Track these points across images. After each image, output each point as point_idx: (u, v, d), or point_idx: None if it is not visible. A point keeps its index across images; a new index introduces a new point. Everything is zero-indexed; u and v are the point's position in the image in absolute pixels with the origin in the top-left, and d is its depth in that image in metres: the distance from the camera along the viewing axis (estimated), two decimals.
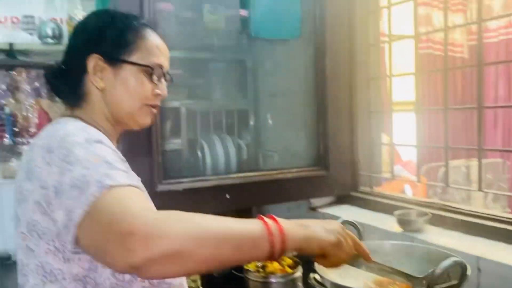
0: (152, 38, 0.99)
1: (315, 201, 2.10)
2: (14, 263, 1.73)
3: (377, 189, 2.06)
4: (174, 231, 0.67)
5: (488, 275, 1.29)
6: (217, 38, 2.10)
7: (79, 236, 0.74)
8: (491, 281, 1.28)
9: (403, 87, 2.42)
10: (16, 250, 0.90)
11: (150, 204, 0.77)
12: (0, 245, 1.96)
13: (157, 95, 0.99)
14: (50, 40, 1.92)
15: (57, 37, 1.94)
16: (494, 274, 1.28)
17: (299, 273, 1.35)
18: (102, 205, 0.71)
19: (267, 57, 2.25)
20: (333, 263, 0.87)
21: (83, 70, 0.94)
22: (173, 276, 0.77)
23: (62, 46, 1.94)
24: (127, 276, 0.85)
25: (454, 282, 0.98)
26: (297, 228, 0.79)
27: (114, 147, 0.89)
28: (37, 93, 2.09)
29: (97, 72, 0.94)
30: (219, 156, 2.21)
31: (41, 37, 1.93)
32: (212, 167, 2.20)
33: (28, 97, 2.07)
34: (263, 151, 2.37)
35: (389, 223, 1.72)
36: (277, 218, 0.77)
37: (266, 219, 0.76)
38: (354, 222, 1.39)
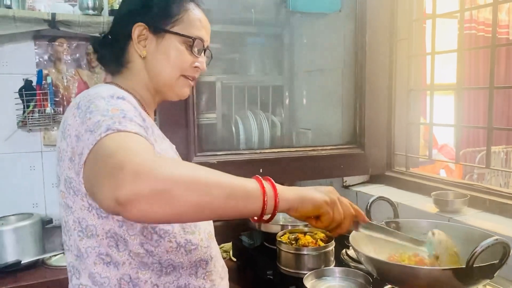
0: (196, 12, 1.00)
1: (349, 179, 2.08)
2: (55, 227, 1.80)
3: (413, 170, 2.02)
4: (165, 172, 0.66)
5: None
6: (255, 11, 2.07)
7: (85, 173, 0.77)
8: None
9: (442, 70, 2.34)
10: (59, 210, 0.94)
11: (151, 150, 0.76)
12: (42, 209, 2.05)
13: (196, 67, 1.01)
14: (90, 12, 1.94)
15: (98, 8, 1.96)
16: None
17: (331, 247, 1.35)
18: (105, 144, 0.73)
19: (305, 32, 2.22)
20: (328, 224, 0.84)
21: (127, 37, 0.98)
22: (159, 219, 0.69)
23: (102, 18, 1.99)
24: (155, 236, 0.88)
25: (494, 261, 0.95)
26: (291, 189, 0.80)
27: (140, 109, 0.90)
28: (77, 63, 2.13)
29: (141, 41, 0.97)
30: (253, 132, 2.21)
31: (82, 8, 1.95)
32: (245, 142, 2.21)
33: (69, 68, 2.11)
34: (297, 128, 2.35)
35: (425, 203, 1.69)
36: (272, 180, 0.77)
37: (261, 178, 0.76)
38: (390, 199, 1.38)
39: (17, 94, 1.96)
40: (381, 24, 1.95)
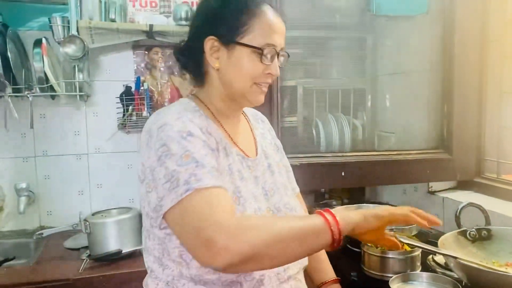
0: (267, 17, 0.99)
1: (435, 185, 2.02)
2: None
3: (505, 177, 1.91)
4: (249, 239, 0.79)
5: None
6: (338, 15, 2.09)
7: (167, 221, 0.90)
8: None
9: None
10: None
11: (231, 208, 0.87)
12: (137, 204, 2.22)
13: (268, 74, 1.01)
14: (183, 22, 2.08)
15: (189, 19, 2.10)
16: None
17: (418, 252, 1.33)
18: (188, 207, 0.84)
19: (389, 34, 2.19)
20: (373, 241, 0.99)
21: (201, 51, 1.01)
22: (253, 271, 0.91)
23: None
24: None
25: None
26: (352, 212, 0.91)
27: (208, 130, 0.97)
28: (170, 71, 2.29)
29: (213, 53, 1.00)
30: (334, 135, 2.23)
31: (176, 19, 2.10)
32: (326, 145, 2.23)
33: (163, 75, 2.28)
34: (380, 132, 2.33)
35: None
36: (331, 210, 0.88)
37: (323, 212, 0.87)
38: (481, 206, 1.34)
39: (118, 99, 2.16)
40: (472, 25, 1.88)
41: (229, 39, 0.98)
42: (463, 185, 2.01)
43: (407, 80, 2.17)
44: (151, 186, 0.91)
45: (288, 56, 1.05)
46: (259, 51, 0.97)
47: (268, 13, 0.99)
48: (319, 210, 0.88)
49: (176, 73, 2.28)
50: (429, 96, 2.00)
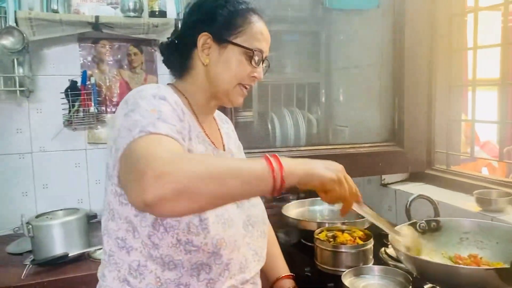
0: (258, 25, 1.04)
1: (387, 178, 2.05)
2: (99, 222, 1.86)
3: (454, 168, 1.97)
4: (183, 171, 0.73)
5: None
6: (291, 9, 2.08)
7: (120, 171, 0.85)
8: None
9: (484, 65, 2.26)
10: None
11: (176, 151, 0.82)
12: (87, 205, 2.14)
13: (253, 77, 1.05)
14: (131, 14, 2.00)
15: (138, 10, 2.02)
16: None
17: (370, 245, 1.34)
18: (135, 147, 0.80)
19: (342, 28, 2.20)
20: (334, 199, 0.90)
21: (193, 45, 1.04)
22: (187, 213, 0.81)
23: (143, 19, 2.05)
24: (161, 228, 0.92)
25: None
26: (298, 165, 0.83)
27: (184, 109, 0.97)
28: (119, 64, 2.20)
29: (205, 49, 1.03)
30: (289, 129, 2.22)
31: (124, 10, 2.01)
32: (281, 139, 2.22)
33: (111, 68, 2.19)
34: (334, 126, 2.34)
35: (466, 202, 1.65)
36: (279, 156, 0.82)
37: (269, 157, 0.81)
38: (430, 197, 1.36)
39: (63, 94, 2.05)
40: (421, 20, 1.91)
41: (223, 37, 1.02)
42: (414, 177, 2.06)
43: (360, 74, 2.19)
44: (116, 143, 0.89)
45: (269, 65, 1.10)
46: (249, 53, 1.02)
47: (260, 21, 1.06)
48: (267, 154, 0.83)
49: (125, 66, 2.19)
50: (381, 90, 2.03)
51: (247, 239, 1.04)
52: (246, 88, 1.07)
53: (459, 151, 2.10)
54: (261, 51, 1.04)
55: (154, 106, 0.89)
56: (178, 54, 1.07)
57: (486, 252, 1.17)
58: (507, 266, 0.91)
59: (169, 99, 0.94)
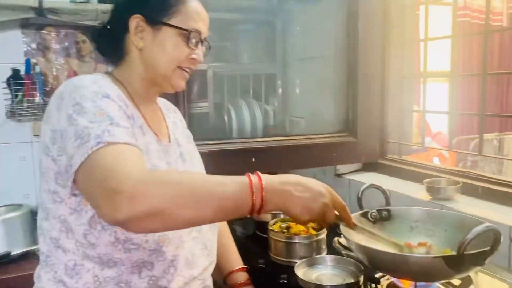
0: (193, 4, 1.00)
1: (342, 168, 2.07)
2: None
3: (406, 158, 2.01)
4: (157, 192, 0.72)
5: None
6: None
7: (77, 180, 0.81)
8: None
9: (435, 57, 2.32)
10: None
11: (142, 164, 0.79)
12: (33, 200, 2.03)
13: (192, 59, 1.00)
14: None
15: None
16: None
17: (323, 235, 1.34)
18: (97, 160, 0.76)
19: (297, 18, 2.19)
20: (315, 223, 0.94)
21: (125, 29, 0.98)
22: (160, 231, 0.84)
23: (91, 5, 1.95)
24: (99, 226, 0.88)
25: (486, 248, 0.95)
26: (279, 196, 0.80)
27: (127, 102, 0.93)
28: (66, 52, 2.09)
29: (138, 32, 0.97)
30: (245, 121, 2.20)
31: None
32: (238, 131, 2.19)
33: (58, 57, 2.08)
34: (290, 117, 2.34)
35: (417, 191, 1.69)
36: (262, 178, 0.79)
37: (252, 177, 0.78)
38: (381, 187, 1.37)
39: (5, 84, 1.93)
40: (374, 11, 1.93)
41: (156, 19, 0.97)
42: (368, 167, 2.09)
43: (315, 65, 2.19)
44: (61, 149, 0.84)
45: (210, 46, 1.06)
46: (186, 34, 0.97)
47: (195, 1, 1.01)
48: (249, 173, 0.80)
49: (73, 55, 2.09)
50: (336, 81, 2.04)
51: (194, 233, 1.01)
52: (186, 71, 1.01)
53: (411, 142, 2.15)
54: (198, 32, 0.99)
55: (101, 108, 0.83)
56: (111, 40, 1.01)
57: (435, 239, 1.19)
58: (454, 253, 0.92)
59: (112, 95, 0.89)
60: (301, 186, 0.83)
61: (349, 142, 1.96)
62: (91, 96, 0.85)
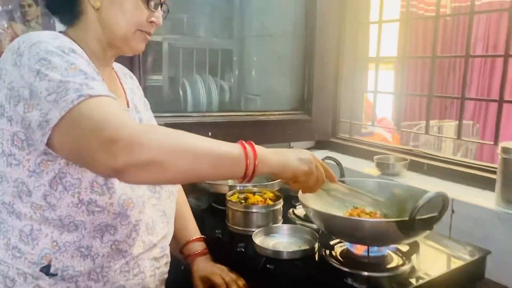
0: None
1: (295, 145, 2.11)
2: None
3: (356, 137, 2.09)
4: (156, 142, 0.71)
5: (460, 216, 1.35)
6: None
7: (54, 138, 0.77)
8: (463, 222, 1.34)
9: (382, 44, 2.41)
10: None
11: (130, 116, 0.79)
12: None
13: (152, 22, 0.97)
14: None
15: None
16: (466, 215, 1.34)
17: (279, 205, 1.37)
18: (83, 113, 0.74)
19: None
20: (305, 188, 0.96)
21: None
22: (152, 183, 0.85)
23: None
24: (60, 187, 0.85)
25: (435, 214, 1.02)
26: (272, 155, 0.86)
27: (88, 61, 0.88)
28: (10, 16, 1.96)
29: None
30: (201, 97, 2.17)
31: None
32: (193, 106, 2.17)
33: (1, 20, 1.94)
34: (246, 94, 2.34)
35: (368, 167, 1.76)
36: (255, 145, 0.83)
37: (245, 143, 0.82)
38: (336, 159, 1.42)
39: None
40: None
41: None
42: (320, 144, 2.14)
43: (273, 43, 2.20)
44: (30, 105, 0.78)
45: (168, 10, 1.03)
46: None
47: None
48: (242, 141, 0.82)
49: (18, 19, 1.96)
50: (293, 59, 2.06)
51: (153, 200, 1.00)
52: (147, 33, 0.98)
53: (361, 121, 2.23)
54: None
55: (71, 62, 0.80)
56: None
57: (385, 210, 1.26)
58: (406, 218, 0.98)
59: (77, 50, 0.85)
60: (292, 153, 0.90)
61: (303, 120, 2.00)
62: (57, 51, 0.81)
